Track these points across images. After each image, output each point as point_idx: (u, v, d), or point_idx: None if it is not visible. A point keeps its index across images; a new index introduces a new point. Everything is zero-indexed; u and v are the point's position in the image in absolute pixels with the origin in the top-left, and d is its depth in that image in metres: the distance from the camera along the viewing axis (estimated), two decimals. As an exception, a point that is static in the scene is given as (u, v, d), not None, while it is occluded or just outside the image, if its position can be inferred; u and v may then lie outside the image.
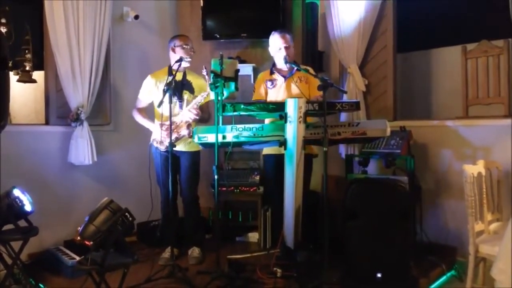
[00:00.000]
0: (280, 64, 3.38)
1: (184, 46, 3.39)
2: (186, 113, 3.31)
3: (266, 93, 3.43)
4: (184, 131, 3.30)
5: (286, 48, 3.30)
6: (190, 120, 3.31)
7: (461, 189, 2.77)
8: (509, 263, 2.00)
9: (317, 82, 2.95)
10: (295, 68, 3.25)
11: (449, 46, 4.39)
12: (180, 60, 3.19)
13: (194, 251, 3.49)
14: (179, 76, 3.34)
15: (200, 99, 3.28)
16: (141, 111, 3.54)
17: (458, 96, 3.94)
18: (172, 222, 3.46)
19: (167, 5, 4.53)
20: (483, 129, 3.48)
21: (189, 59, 3.25)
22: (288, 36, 3.36)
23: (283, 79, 3.38)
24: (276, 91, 3.38)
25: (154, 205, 3.26)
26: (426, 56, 4.64)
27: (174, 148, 3.13)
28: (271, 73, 3.45)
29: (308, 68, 3.28)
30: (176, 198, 3.52)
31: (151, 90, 3.46)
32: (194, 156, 3.49)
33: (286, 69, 3.39)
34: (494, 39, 3.74)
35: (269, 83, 3.42)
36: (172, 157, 3.16)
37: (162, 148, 3.30)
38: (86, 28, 3.66)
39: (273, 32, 3.41)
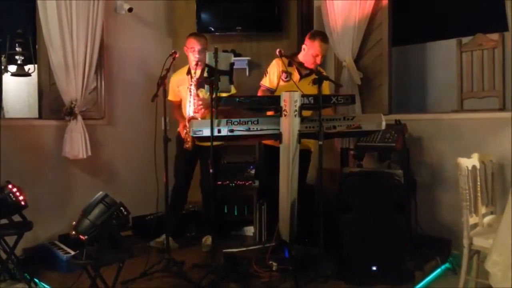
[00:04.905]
0: (305, 62, 3.28)
1: (191, 50, 3.43)
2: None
3: (279, 83, 3.34)
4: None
5: (321, 57, 3.26)
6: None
7: (455, 182, 2.77)
8: (503, 256, 2.02)
9: (327, 88, 2.86)
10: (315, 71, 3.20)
11: (444, 39, 4.39)
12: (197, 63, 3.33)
13: (208, 239, 3.59)
14: (197, 74, 3.41)
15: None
16: (178, 109, 3.58)
17: (453, 89, 3.96)
18: (177, 213, 3.61)
19: (162, -2, 4.50)
20: (477, 123, 3.48)
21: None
22: (327, 45, 3.33)
23: (298, 77, 3.32)
24: (288, 88, 3.21)
25: (157, 198, 3.23)
26: (421, 49, 4.63)
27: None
28: (290, 64, 3.32)
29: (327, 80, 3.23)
30: (188, 190, 3.64)
31: (174, 90, 3.56)
32: (218, 150, 3.49)
33: (306, 68, 3.28)
34: (489, 32, 3.75)
35: (284, 75, 3.33)
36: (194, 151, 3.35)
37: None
38: (79, 21, 3.61)
39: (316, 34, 3.29)
